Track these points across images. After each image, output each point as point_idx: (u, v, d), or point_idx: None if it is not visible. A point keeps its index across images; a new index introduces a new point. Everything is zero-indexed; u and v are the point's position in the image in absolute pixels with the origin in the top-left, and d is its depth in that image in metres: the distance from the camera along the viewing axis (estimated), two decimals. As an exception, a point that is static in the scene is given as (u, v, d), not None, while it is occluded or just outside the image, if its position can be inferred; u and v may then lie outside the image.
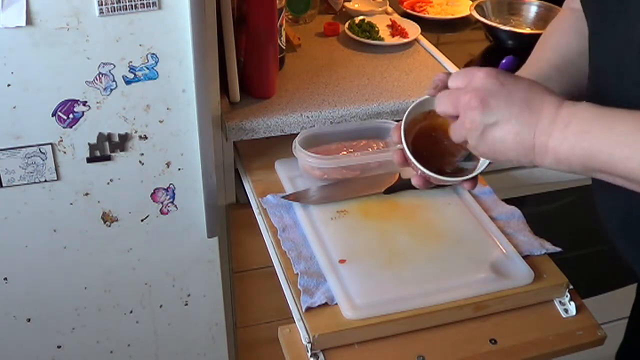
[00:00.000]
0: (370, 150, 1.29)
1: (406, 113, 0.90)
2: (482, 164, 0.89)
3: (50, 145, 1.19)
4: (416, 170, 0.91)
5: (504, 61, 1.45)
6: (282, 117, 1.32)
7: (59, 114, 1.17)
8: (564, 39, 1.03)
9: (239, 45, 1.30)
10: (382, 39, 1.61)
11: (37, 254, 1.29)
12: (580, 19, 0.99)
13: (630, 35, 0.79)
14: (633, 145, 0.70)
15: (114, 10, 1.10)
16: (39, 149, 1.19)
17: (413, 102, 0.91)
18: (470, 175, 0.89)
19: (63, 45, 1.11)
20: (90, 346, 1.43)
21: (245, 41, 1.31)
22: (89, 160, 1.23)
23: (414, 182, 0.93)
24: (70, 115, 1.18)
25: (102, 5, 1.09)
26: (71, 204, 1.26)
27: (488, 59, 1.59)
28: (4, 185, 1.20)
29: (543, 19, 1.67)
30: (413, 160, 0.88)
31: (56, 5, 1.08)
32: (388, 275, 1.06)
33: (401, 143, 0.90)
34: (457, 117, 0.81)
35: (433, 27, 1.72)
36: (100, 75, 1.16)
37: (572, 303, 1.07)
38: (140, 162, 1.26)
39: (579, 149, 0.73)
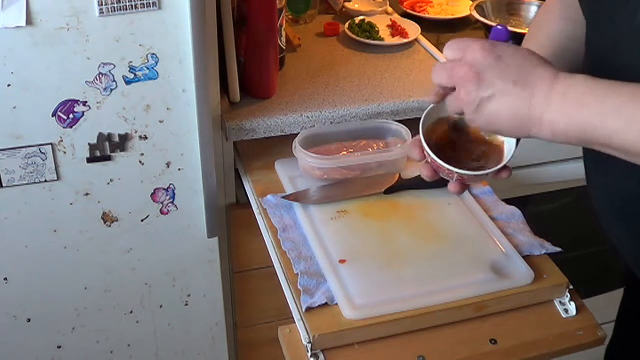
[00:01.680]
0: (370, 150, 1.29)
1: (421, 126, 0.90)
2: (509, 149, 0.88)
3: (50, 145, 1.19)
4: (451, 176, 0.90)
5: (498, 27, 1.43)
6: (282, 117, 1.32)
7: (59, 114, 1.17)
8: (555, 26, 1.02)
9: (239, 45, 1.30)
10: (382, 39, 1.61)
11: (37, 254, 1.29)
12: (568, 5, 0.99)
13: (630, 21, 0.79)
14: (628, 118, 0.70)
15: (114, 10, 1.10)
16: (39, 149, 1.19)
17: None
18: (502, 163, 0.88)
19: (63, 45, 1.11)
20: (90, 346, 1.43)
21: (245, 41, 1.31)
22: (89, 160, 1.23)
23: (451, 188, 0.92)
24: (70, 115, 1.18)
25: (102, 5, 1.09)
26: (71, 204, 1.26)
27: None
28: (4, 185, 1.20)
29: (543, 19, 1.67)
30: (448, 166, 0.88)
31: (56, 5, 1.08)
32: (388, 275, 1.06)
33: (425, 158, 0.90)
34: (453, 88, 0.81)
35: (433, 27, 1.72)
36: (100, 75, 1.16)
37: (572, 303, 1.07)
38: (140, 162, 1.26)
39: (575, 122, 0.73)
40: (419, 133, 0.90)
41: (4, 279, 1.30)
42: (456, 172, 0.88)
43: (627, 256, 0.98)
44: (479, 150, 0.91)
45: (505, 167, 0.90)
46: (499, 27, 1.44)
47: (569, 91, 0.74)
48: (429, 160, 0.91)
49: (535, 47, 0.99)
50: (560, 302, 1.08)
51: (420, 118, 0.91)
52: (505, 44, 0.80)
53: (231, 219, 1.41)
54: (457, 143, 0.93)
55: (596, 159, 0.90)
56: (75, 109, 1.18)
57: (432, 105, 0.90)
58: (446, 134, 0.93)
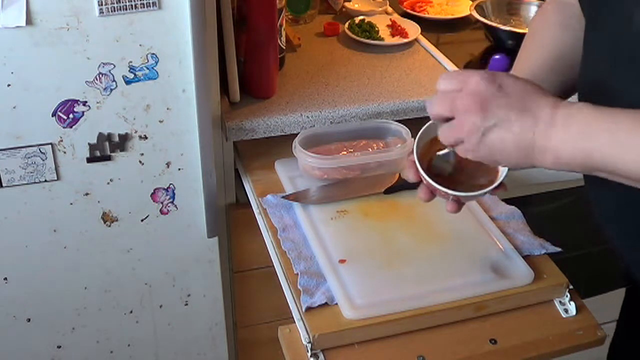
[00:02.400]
0: (370, 150, 1.29)
1: (415, 147, 0.90)
2: (504, 167, 0.89)
3: (50, 145, 1.19)
4: (446, 197, 0.90)
5: (497, 57, 1.44)
6: (282, 117, 1.32)
7: (59, 114, 1.17)
8: (551, 35, 1.02)
9: (239, 45, 1.30)
10: (382, 39, 1.61)
11: (37, 254, 1.29)
12: (564, 12, 0.99)
13: (627, 22, 0.79)
14: (634, 149, 0.71)
15: (114, 10, 1.10)
16: (39, 149, 1.19)
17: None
18: (499, 181, 0.88)
19: (63, 45, 1.11)
20: (90, 346, 1.43)
21: (245, 41, 1.31)
22: (89, 160, 1.23)
23: (448, 208, 0.93)
24: (70, 115, 1.18)
25: (102, 5, 1.09)
26: (71, 204, 1.26)
27: (488, 59, 1.59)
28: (4, 185, 1.20)
29: (543, 19, 1.67)
30: (443, 189, 0.88)
31: (56, 5, 1.08)
32: (388, 275, 1.06)
33: (420, 180, 0.90)
34: (447, 119, 0.81)
35: (433, 27, 1.72)
36: (100, 75, 1.16)
37: (572, 303, 1.07)
38: (140, 162, 1.26)
39: (579, 151, 0.74)
40: (413, 153, 0.90)
41: (4, 279, 1.30)
42: (451, 194, 0.88)
43: (624, 257, 0.98)
44: (474, 168, 0.91)
45: (500, 183, 0.89)
46: (497, 57, 1.44)
47: (572, 121, 0.74)
48: (424, 182, 0.90)
49: (528, 59, 0.99)
50: (560, 302, 1.08)
51: (420, 118, 0.91)
52: (504, 73, 0.80)
53: (231, 219, 1.41)
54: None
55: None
56: (75, 109, 1.18)
57: (426, 125, 0.90)
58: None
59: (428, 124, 0.89)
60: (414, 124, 1.37)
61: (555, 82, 0.97)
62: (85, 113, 1.18)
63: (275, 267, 1.13)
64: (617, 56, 0.82)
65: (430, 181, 0.88)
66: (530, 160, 0.77)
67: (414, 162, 0.89)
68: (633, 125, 0.71)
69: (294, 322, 1.02)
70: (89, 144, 1.21)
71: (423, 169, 0.89)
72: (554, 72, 0.98)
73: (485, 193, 0.89)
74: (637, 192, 0.77)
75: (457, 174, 0.92)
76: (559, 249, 1.14)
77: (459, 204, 0.92)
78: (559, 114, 0.75)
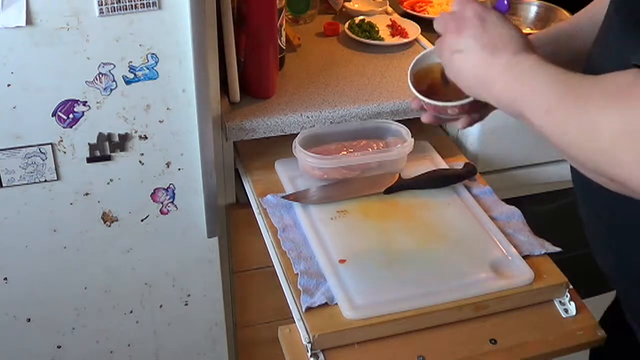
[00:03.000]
0: (370, 150, 1.29)
1: (410, 68, 1.00)
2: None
3: (50, 145, 1.19)
4: (428, 108, 0.98)
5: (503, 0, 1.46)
6: (282, 117, 1.32)
7: (59, 114, 1.17)
8: (583, 11, 1.06)
9: (239, 45, 1.30)
10: (382, 39, 1.61)
11: (37, 254, 1.29)
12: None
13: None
14: (543, 95, 0.74)
15: (114, 10, 1.10)
16: (39, 149, 1.19)
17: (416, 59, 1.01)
18: (466, 101, 0.92)
19: (63, 45, 1.11)
20: (90, 346, 1.43)
21: (245, 41, 1.31)
22: (89, 160, 1.23)
23: (424, 119, 1.01)
24: (70, 115, 1.18)
25: (102, 5, 1.09)
26: (71, 204, 1.26)
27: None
28: (4, 185, 1.20)
29: (543, 19, 1.67)
30: (420, 96, 0.96)
31: (56, 5, 1.08)
32: (388, 275, 1.06)
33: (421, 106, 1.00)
34: None
35: (433, 27, 1.72)
36: (100, 75, 1.16)
37: (572, 303, 1.07)
38: (140, 162, 1.26)
39: (507, 94, 0.78)
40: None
41: (4, 279, 1.30)
42: (426, 102, 0.96)
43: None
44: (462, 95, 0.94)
45: (472, 117, 0.96)
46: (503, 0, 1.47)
47: (517, 66, 0.78)
48: (416, 95, 0.97)
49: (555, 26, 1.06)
50: (560, 302, 1.08)
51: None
52: (498, 14, 0.86)
53: (231, 219, 1.40)
54: (444, 89, 0.97)
55: (582, 184, 0.92)
56: (75, 109, 1.18)
57: (426, 50, 1.02)
58: (438, 79, 0.98)
59: (425, 51, 1.01)
60: (414, 124, 1.37)
61: (571, 47, 1.02)
62: (85, 113, 1.18)
63: (275, 267, 1.13)
64: (604, 35, 0.87)
65: (414, 90, 0.97)
66: (485, 93, 0.82)
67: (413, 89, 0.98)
68: (555, 77, 0.74)
69: (294, 322, 1.02)
70: (89, 144, 1.21)
71: (422, 92, 0.97)
72: (570, 37, 1.03)
73: (456, 105, 0.94)
74: (624, 218, 0.80)
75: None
76: (559, 249, 1.14)
77: (433, 117, 1.00)
78: (514, 60, 0.79)
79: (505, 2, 1.50)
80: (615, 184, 0.69)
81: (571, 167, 0.90)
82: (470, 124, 0.98)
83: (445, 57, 0.86)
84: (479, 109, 0.95)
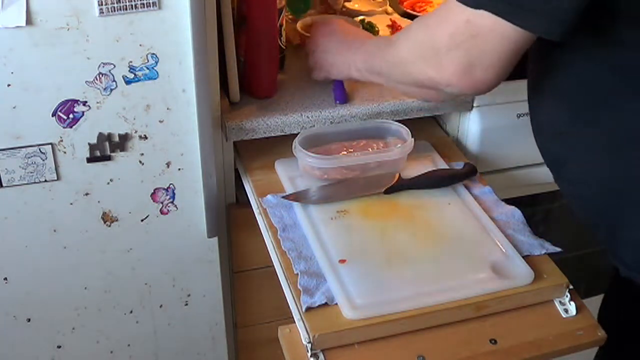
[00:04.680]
0: (370, 150, 1.29)
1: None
2: None
3: (50, 145, 1.19)
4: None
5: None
6: (282, 117, 1.32)
7: (59, 114, 1.17)
8: None
9: (239, 45, 1.30)
10: (382, 39, 1.61)
11: (37, 254, 1.29)
12: None
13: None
14: (362, 56, 1.19)
15: (114, 10, 1.10)
16: (39, 149, 1.19)
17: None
18: None
19: (63, 45, 1.11)
20: (90, 346, 1.43)
21: (245, 41, 1.31)
22: (89, 160, 1.23)
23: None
24: (70, 115, 1.18)
25: (102, 5, 1.09)
26: (71, 204, 1.26)
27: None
28: (4, 185, 1.20)
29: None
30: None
31: (56, 5, 1.08)
32: (388, 275, 1.06)
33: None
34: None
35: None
36: (100, 75, 1.16)
37: (572, 303, 1.07)
38: (140, 162, 1.26)
39: (360, 64, 1.21)
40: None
41: (4, 279, 1.30)
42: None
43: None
44: None
45: None
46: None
47: (360, 50, 1.22)
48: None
49: None
50: (560, 302, 1.08)
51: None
52: (344, 29, 1.36)
53: (231, 219, 1.40)
54: None
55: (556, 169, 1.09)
56: (75, 109, 1.18)
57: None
58: None
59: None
60: (414, 124, 1.37)
61: None
62: (85, 113, 1.18)
63: (275, 267, 1.13)
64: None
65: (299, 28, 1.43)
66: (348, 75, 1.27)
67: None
68: (370, 46, 1.20)
69: (294, 322, 1.02)
70: (89, 144, 1.21)
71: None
72: None
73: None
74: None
75: None
76: (559, 249, 1.14)
77: None
78: (362, 48, 1.21)
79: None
80: (426, 90, 1.05)
81: (540, 147, 1.08)
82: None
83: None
84: None
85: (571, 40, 0.88)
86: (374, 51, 1.15)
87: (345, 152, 1.28)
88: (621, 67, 0.90)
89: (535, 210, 1.70)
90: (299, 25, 1.51)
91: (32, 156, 1.19)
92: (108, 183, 1.26)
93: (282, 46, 1.43)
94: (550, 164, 1.08)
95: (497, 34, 0.87)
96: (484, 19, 0.87)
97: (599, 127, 0.95)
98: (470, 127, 1.43)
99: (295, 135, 1.27)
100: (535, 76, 1.05)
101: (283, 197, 1.22)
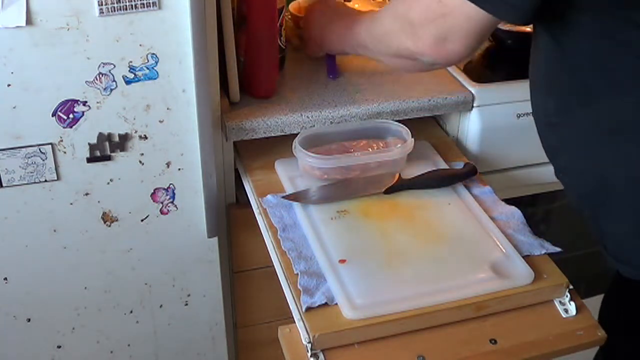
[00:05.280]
0: (370, 150, 1.29)
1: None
2: None
3: (50, 145, 1.19)
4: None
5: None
6: (282, 117, 1.32)
7: (59, 114, 1.17)
8: None
9: (239, 45, 1.30)
10: (382, 39, 1.61)
11: (37, 254, 1.29)
12: None
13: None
14: (352, 31, 1.27)
15: (114, 10, 1.10)
16: (39, 149, 1.19)
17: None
18: None
19: (63, 45, 1.11)
20: (90, 346, 1.43)
21: (245, 41, 1.31)
22: (89, 160, 1.23)
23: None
24: (70, 115, 1.18)
25: (102, 5, 1.09)
26: (71, 204, 1.26)
27: (488, 59, 1.59)
28: (4, 185, 1.20)
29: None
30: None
31: (56, 5, 1.08)
32: (388, 275, 1.06)
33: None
34: None
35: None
36: (100, 75, 1.16)
37: (572, 303, 1.07)
38: (140, 162, 1.26)
39: (339, 39, 1.34)
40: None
41: (4, 279, 1.30)
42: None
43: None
44: None
45: None
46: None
47: (335, 26, 1.35)
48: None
49: None
50: (560, 302, 1.08)
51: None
52: (335, 8, 1.45)
53: (231, 219, 1.40)
54: None
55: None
56: (75, 109, 1.18)
57: None
58: None
59: None
60: (414, 124, 1.37)
61: None
62: (85, 113, 1.18)
63: (275, 267, 1.13)
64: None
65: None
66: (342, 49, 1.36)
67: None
68: (346, 24, 1.31)
69: (294, 322, 1.02)
70: (89, 144, 1.21)
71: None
72: None
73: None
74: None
75: None
76: (559, 249, 1.14)
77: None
78: (352, 23, 1.28)
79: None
80: (405, 60, 1.13)
81: (540, 134, 1.11)
82: None
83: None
84: None
85: (560, 31, 0.96)
86: (361, 26, 1.24)
87: (345, 152, 1.28)
88: (605, 60, 0.94)
89: (535, 210, 1.70)
90: (291, 7, 1.55)
91: (32, 156, 1.19)
92: (108, 183, 1.26)
93: (282, 46, 1.43)
94: (547, 153, 1.12)
95: (464, 13, 0.97)
96: (453, 1, 0.97)
97: (585, 118, 1.00)
98: (470, 127, 1.43)
99: (295, 135, 1.27)
100: (530, 66, 1.09)
101: (283, 197, 1.22)
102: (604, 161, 1.00)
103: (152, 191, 1.30)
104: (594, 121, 0.99)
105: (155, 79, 1.19)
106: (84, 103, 1.17)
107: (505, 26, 1.62)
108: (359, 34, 1.24)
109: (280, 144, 1.33)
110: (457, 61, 1.11)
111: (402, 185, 1.24)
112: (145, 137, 1.24)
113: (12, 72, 1.11)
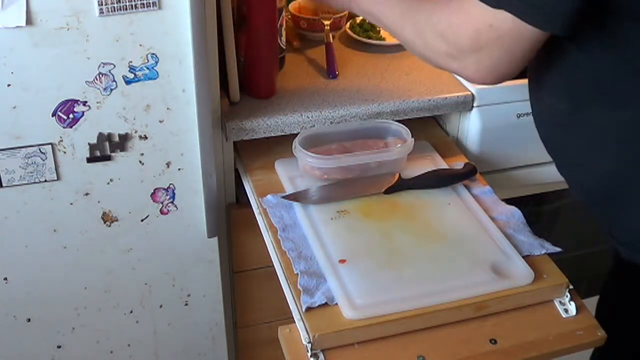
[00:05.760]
0: (370, 150, 1.29)
1: None
2: None
3: (50, 145, 1.19)
4: None
5: None
6: (282, 117, 1.32)
7: (59, 114, 1.17)
8: None
9: (239, 45, 1.30)
10: (383, 39, 1.61)
11: (37, 254, 1.29)
12: None
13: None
14: (385, 9, 1.15)
15: (114, 10, 1.10)
16: (39, 149, 1.19)
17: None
18: None
19: (63, 45, 1.11)
20: (90, 346, 1.43)
21: (245, 41, 1.31)
22: (89, 160, 1.23)
23: None
24: (70, 115, 1.18)
25: (102, 5, 1.09)
26: (71, 204, 1.26)
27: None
28: (4, 185, 1.20)
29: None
30: None
31: (56, 5, 1.08)
32: (388, 275, 1.06)
33: None
34: None
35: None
36: (100, 75, 1.16)
37: (572, 303, 1.07)
38: (140, 162, 1.26)
39: (361, 9, 1.20)
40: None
41: (4, 279, 1.30)
42: None
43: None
44: None
45: None
46: None
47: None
48: None
49: None
50: (560, 302, 1.08)
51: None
52: None
53: (231, 219, 1.41)
54: None
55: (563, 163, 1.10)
56: (75, 109, 1.18)
57: None
58: None
59: None
60: (414, 124, 1.37)
61: None
62: (85, 113, 1.18)
63: (275, 267, 1.13)
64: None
65: None
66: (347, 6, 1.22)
67: None
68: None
69: (294, 322, 1.02)
70: (89, 144, 1.21)
71: None
72: None
73: None
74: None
75: None
76: (559, 249, 1.14)
77: None
78: None
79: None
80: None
81: (542, 137, 1.11)
82: None
83: None
84: None
85: (587, 40, 0.93)
86: (409, 18, 1.13)
87: (345, 152, 1.28)
88: (620, 63, 0.93)
89: (536, 210, 1.71)
90: (291, 7, 1.54)
91: (32, 156, 1.19)
92: (108, 183, 1.26)
93: (282, 46, 1.43)
94: (550, 151, 1.11)
95: (516, 34, 0.93)
96: (506, 22, 0.92)
97: (605, 121, 0.98)
98: (470, 127, 1.43)
99: (295, 135, 1.27)
100: (536, 68, 1.07)
101: (283, 197, 1.22)
102: (621, 160, 0.99)
103: (152, 191, 1.30)
104: (617, 124, 0.97)
105: (155, 79, 1.19)
106: (84, 103, 1.17)
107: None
108: (402, 27, 1.14)
109: (280, 144, 1.33)
110: (505, 80, 1.03)
111: (402, 185, 1.24)
112: (145, 137, 1.24)
113: (12, 72, 1.11)
